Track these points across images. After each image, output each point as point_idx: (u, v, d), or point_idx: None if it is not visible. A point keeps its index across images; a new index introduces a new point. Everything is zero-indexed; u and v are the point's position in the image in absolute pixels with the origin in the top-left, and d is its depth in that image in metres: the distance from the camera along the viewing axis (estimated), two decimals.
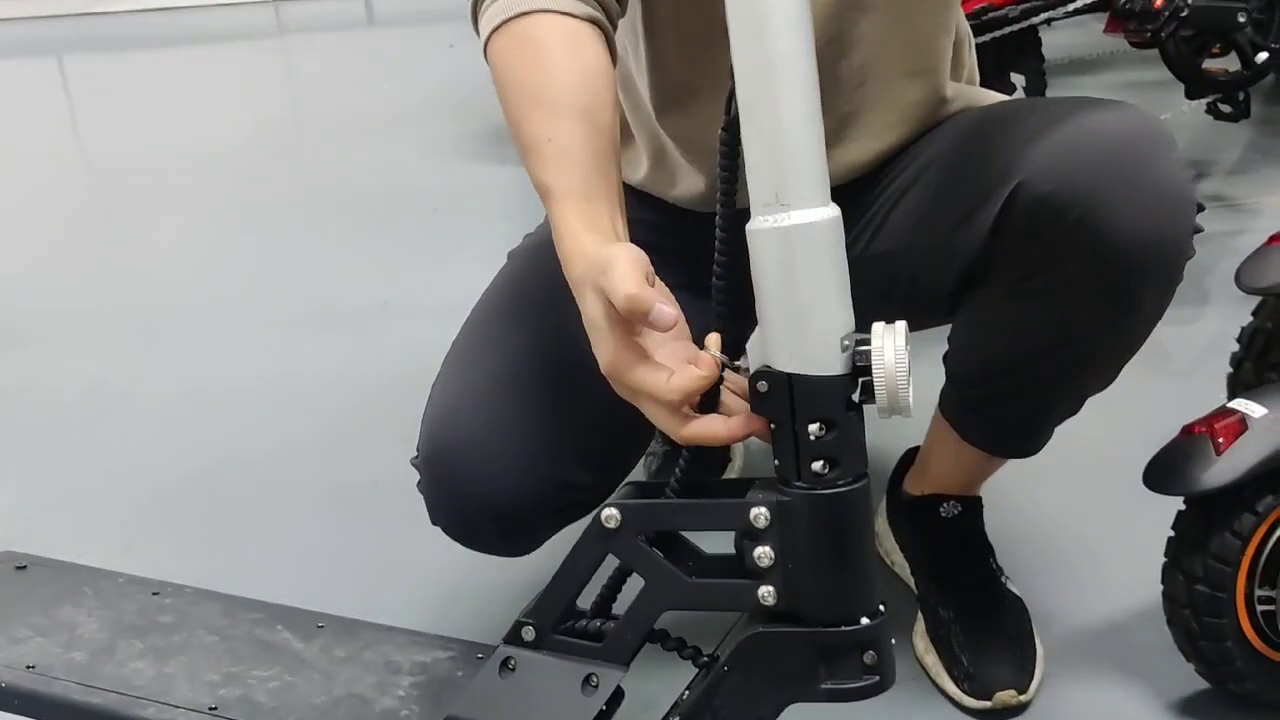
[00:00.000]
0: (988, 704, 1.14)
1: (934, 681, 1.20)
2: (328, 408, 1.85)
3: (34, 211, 3.01)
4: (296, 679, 0.91)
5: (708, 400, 0.77)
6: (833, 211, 0.72)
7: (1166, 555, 1.11)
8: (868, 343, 0.71)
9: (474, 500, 1.02)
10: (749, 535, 0.75)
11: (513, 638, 0.81)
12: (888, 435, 1.56)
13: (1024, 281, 1.01)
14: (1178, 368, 1.77)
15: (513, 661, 0.81)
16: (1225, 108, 2.47)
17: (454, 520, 1.05)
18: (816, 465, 0.72)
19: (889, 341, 0.71)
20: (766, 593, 0.75)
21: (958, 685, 1.16)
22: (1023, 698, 1.14)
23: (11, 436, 1.87)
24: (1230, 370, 1.37)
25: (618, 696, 0.81)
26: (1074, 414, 1.16)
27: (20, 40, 4.99)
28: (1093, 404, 1.14)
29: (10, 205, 3.05)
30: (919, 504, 1.29)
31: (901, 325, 0.72)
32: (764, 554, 0.74)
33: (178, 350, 2.15)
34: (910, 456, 1.35)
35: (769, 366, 0.73)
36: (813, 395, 0.72)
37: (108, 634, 0.96)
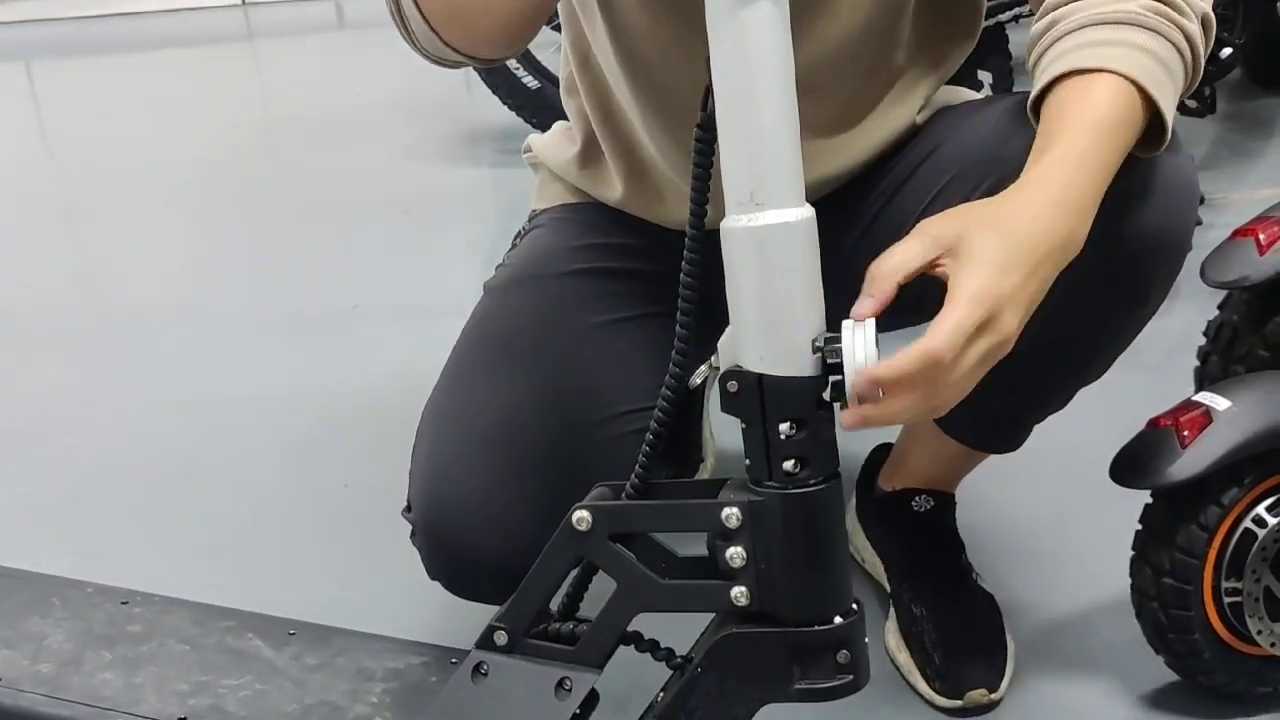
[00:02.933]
0: (959, 703, 1.14)
1: (906, 679, 1.20)
2: (298, 412, 1.84)
3: (1, 219, 2.98)
4: (268, 687, 0.90)
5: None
6: (807, 212, 0.72)
7: (1134, 549, 1.12)
8: (838, 341, 0.72)
9: (473, 563, 1.01)
10: (721, 536, 0.75)
11: (485, 642, 0.81)
12: (856, 433, 1.58)
13: None
14: (1148, 361, 1.76)
15: (485, 666, 0.80)
16: (1191, 103, 2.48)
17: (454, 580, 1.04)
18: (788, 465, 0.73)
19: (858, 340, 0.71)
20: (739, 593, 0.75)
21: (929, 684, 1.17)
22: (994, 696, 1.15)
23: None
24: (1197, 364, 1.38)
25: (592, 700, 0.81)
26: (1062, 408, 1.16)
27: None
28: (1082, 397, 1.15)
29: None
30: (892, 499, 1.29)
31: (870, 323, 0.72)
32: (736, 554, 0.74)
33: (146, 356, 2.13)
34: (881, 453, 1.35)
35: (739, 366, 0.73)
36: (783, 395, 0.72)
37: (75, 645, 0.96)
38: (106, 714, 0.86)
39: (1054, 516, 1.44)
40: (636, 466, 0.80)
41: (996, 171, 0.95)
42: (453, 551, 1.01)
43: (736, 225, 0.71)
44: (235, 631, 0.98)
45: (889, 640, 1.24)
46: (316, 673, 0.92)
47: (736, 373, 0.73)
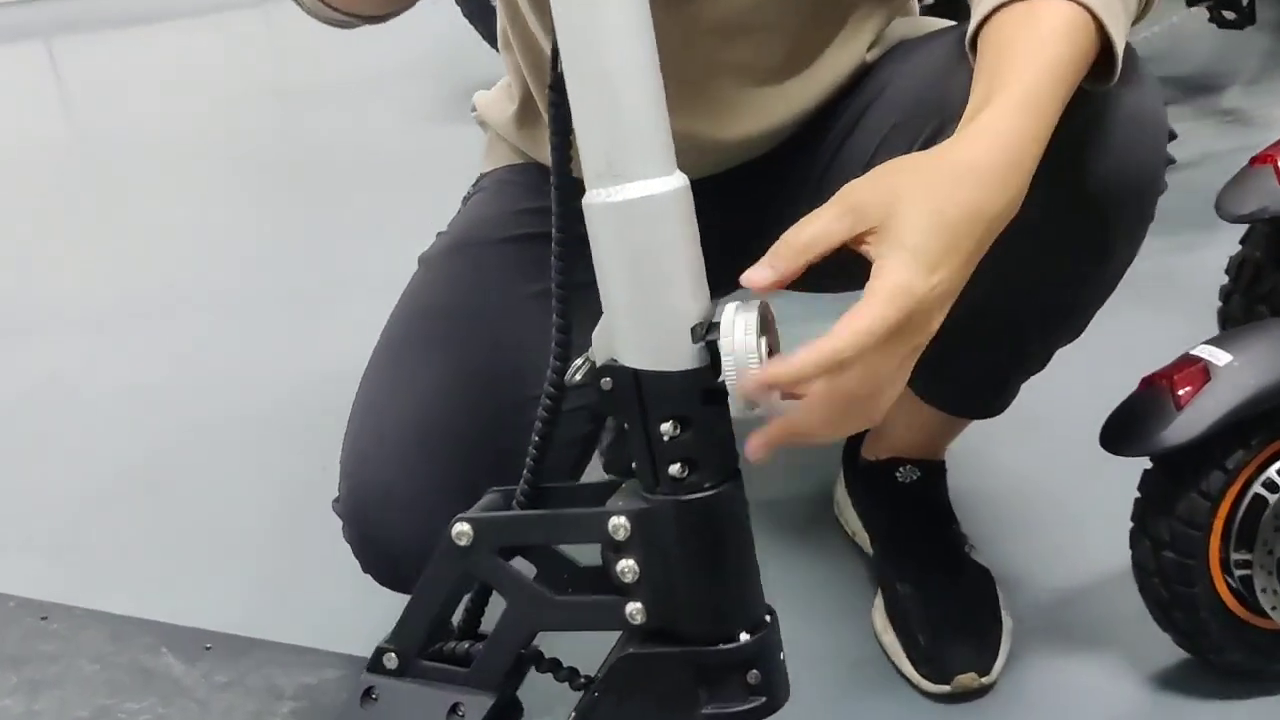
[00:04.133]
0: (946, 688, 1.06)
1: (892, 662, 1.12)
2: (283, 391, 1.78)
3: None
4: (169, 710, 0.85)
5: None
6: (677, 181, 0.63)
7: (1133, 519, 1.02)
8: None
9: (402, 558, 0.94)
10: (611, 548, 0.67)
11: (375, 665, 0.74)
12: None
13: None
14: (1169, 302, 1.65)
15: (375, 692, 0.74)
16: (1228, 14, 2.32)
17: (384, 575, 0.98)
18: (674, 469, 0.64)
19: (738, 324, 0.62)
20: (634, 610, 0.67)
21: (915, 667, 1.08)
22: (985, 680, 1.06)
23: None
24: (1219, 304, 1.27)
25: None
26: (1041, 369, 1.07)
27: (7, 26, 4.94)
28: (1067, 349, 1.04)
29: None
30: (875, 470, 1.20)
31: (755, 304, 0.63)
32: (628, 568, 0.66)
33: (130, 338, 2.09)
34: None
35: (615, 360, 0.65)
36: (662, 392, 0.64)
37: None
38: None
39: (1059, 479, 1.33)
40: (525, 471, 0.72)
41: (938, 117, 0.85)
42: (380, 546, 0.95)
43: (595, 201, 0.63)
44: (150, 648, 0.93)
45: (875, 620, 1.15)
46: (225, 691, 0.87)
47: (611, 368, 0.65)
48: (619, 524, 0.66)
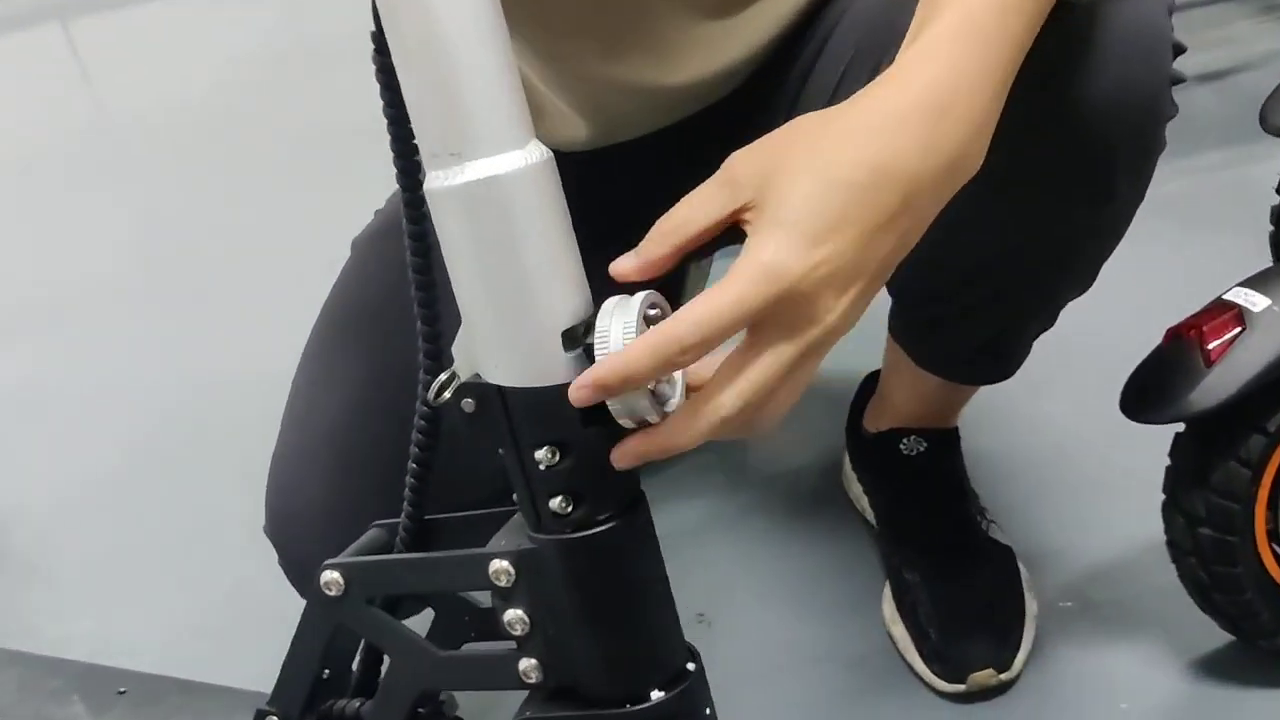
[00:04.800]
0: (962, 687, 0.94)
1: (903, 658, 1.00)
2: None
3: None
4: None
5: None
6: (534, 155, 0.51)
7: (1165, 491, 0.90)
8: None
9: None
10: (498, 595, 0.56)
11: None
12: (847, 358, 1.36)
13: None
14: (1212, 232, 1.50)
15: None
16: None
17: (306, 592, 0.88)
18: (555, 503, 0.53)
19: (616, 324, 0.51)
20: (529, 667, 0.56)
21: (927, 664, 0.97)
22: (1004, 676, 0.94)
23: None
24: (1271, 229, 1.12)
25: None
26: (1049, 327, 0.94)
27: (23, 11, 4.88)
28: (1092, 290, 0.91)
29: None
30: (879, 442, 1.08)
31: (639, 298, 0.51)
32: (516, 619, 0.56)
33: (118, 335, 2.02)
34: (871, 383, 1.14)
35: (478, 376, 0.54)
36: (534, 412, 0.52)
37: None
38: None
39: (1088, 439, 1.19)
40: (404, 504, 0.62)
41: (887, 48, 0.72)
42: (302, 569, 0.86)
43: (434, 186, 0.51)
44: (59, 695, 0.84)
45: (885, 610, 1.04)
46: None
47: (473, 385, 0.53)
48: (501, 568, 0.55)
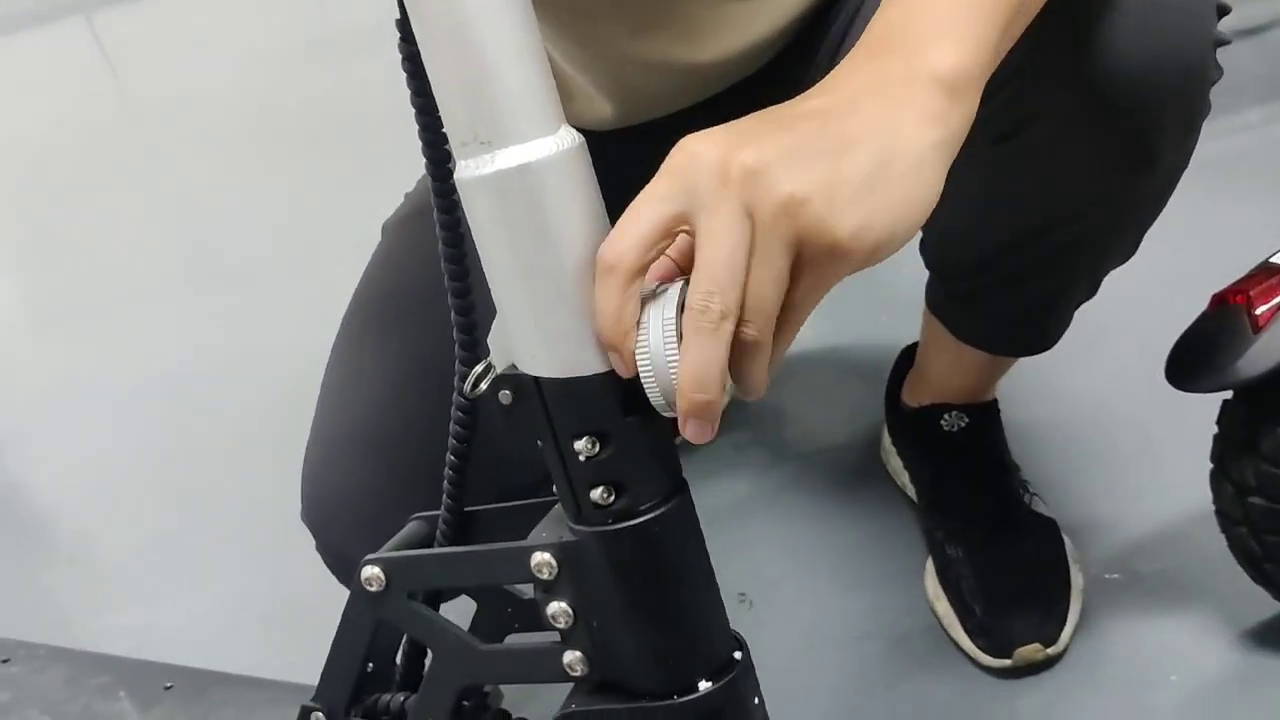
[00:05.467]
0: (1008, 662, 0.93)
1: (947, 633, 0.99)
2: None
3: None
4: None
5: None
6: (565, 141, 0.50)
7: (1213, 460, 0.88)
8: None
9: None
10: (540, 588, 0.56)
11: None
12: (884, 331, 1.35)
13: (1007, 136, 0.77)
14: (1261, 192, 1.46)
15: None
16: None
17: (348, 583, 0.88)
18: (596, 494, 0.52)
19: (654, 317, 0.49)
20: (573, 660, 0.56)
21: (972, 639, 0.96)
22: (1051, 650, 0.93)
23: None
24: None
25: None
26: (1090, 296, 0.92)
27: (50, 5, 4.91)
28: (1138, 257, 0.89)
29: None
30: (919, 417, 1.07)
31: (676, 287, 0.50)
32: (559, 612, 0.55)
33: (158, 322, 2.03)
34: (909, 356, 1.13)
35: (514, 367, 0.53)
36: (571, 402, 0.51)
37: None
38: None
39: (1132, 407, 1.17)
40: (444, 497, 0.61)
41: None
42: (342, 559, 0.85)
43: (465, 176, 0.50)
44: (106, 691, 0.85)
45: (928, 586, 1.03)
46: None
47: (510, 377, 0.53)
48: (542, 561, 0.54)
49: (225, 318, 1.96)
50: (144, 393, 1.77)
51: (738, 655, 0.56)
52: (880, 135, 0.48)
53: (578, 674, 0.56)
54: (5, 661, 0.90)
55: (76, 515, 1.53)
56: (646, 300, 0.50)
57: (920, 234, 0.91)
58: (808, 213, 0.47)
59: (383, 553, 0.60)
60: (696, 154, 0.48)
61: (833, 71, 0.53)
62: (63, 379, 1.91)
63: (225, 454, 1.55)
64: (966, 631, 0.97)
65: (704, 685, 0.55)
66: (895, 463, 1.13)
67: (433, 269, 0.94)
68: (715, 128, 0.49)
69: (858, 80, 0.51)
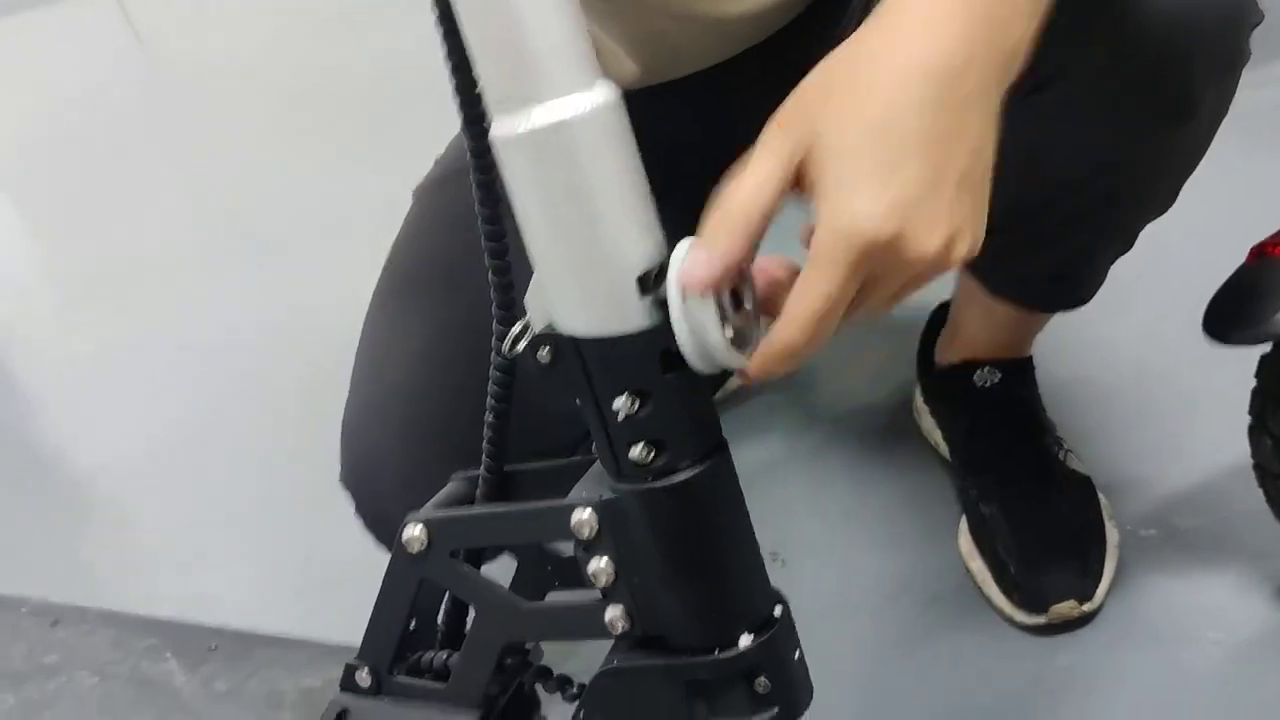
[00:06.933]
0: (1043, 619, 0.93)
1: (982, 591, 0.99)
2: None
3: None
4: None
5: None
6: (600, 96, 0.50)
7: (1251, 414, 0.87)
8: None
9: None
10: (581, 545, 0.56)
11: (347, 683, 0.65)
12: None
13: (1040, 88, 0.76)
14: None
15: (349, 715, 0.65)
16: None
17: (387, 544, 0.89)
18: (636, 452, 0.52)
19: (690, 303, 0.49)
20: (615, 616, 0.56)
21: (1006, 596, 0.96)
22: (1086, 607, 0.93)
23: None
24: None
25: None
26: (1126, 250, 0.92)
27: None
28: (1174, 209, 0.88)
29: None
30: (951, 374, 1.07)
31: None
32: (600, 569, 0.55)
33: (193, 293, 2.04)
34: (940, 316, 1.12)
35: (552, 326, 0.53)
36: (610, 361, 0.52)
37: None
38: None
39: (1168, 362, 1.17)
40: (484, 456, 0.62)
41: None
42: (380, 520, 0.86)
43: (500, 134, 0.50)
44: (153, 653, 0.87)
45: (961, 544, 1.03)
46: (223, 702, 0.80)
47: (548, 336, 0.53)
48: (583, 519, 0.55)
49: (260, 285, 1.97)
50: (183, 361, 1.79)
51: (778, 611, 0.57)
52: (984, 156, 0.52)
53: (619, 630, 0.56)
54: (54, 624, 0.93)
55: (118, 482, 1.55)
56: (678, 253, 0.51)
57: None
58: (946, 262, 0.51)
59: (424, 512, 0.61)
60: (860, 235, 0.49)
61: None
62: (104, 347, 1.93)
63: (264, 420, 1.57)
64: (1001, 589, 0.97)
65: (745, 640, 0.55)
66: (928, 422, 1.13)
67: (465, 232, 0.94)
68: (857, 178, 0.49)
69: (960, 83, 0.51)
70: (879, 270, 0.50)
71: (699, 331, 0.49)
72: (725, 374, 0.54)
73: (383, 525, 0.87)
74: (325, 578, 1.22)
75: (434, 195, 0.98)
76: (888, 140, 0.49)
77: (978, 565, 0.99)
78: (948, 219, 0.51)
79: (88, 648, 0.89)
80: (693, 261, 0.50)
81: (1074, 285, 0.93)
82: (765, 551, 0.57)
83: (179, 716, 0.80)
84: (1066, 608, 0.92)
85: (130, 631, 0.90)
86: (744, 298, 0.53)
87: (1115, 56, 0.71)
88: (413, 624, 0.65)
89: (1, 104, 3.54)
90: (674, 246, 0.51)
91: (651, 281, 0.51)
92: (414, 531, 0.60)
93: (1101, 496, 1.01)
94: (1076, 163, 0.80)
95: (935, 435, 1.12)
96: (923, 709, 0.93)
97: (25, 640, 0.91)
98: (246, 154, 2.61)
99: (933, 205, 0.50)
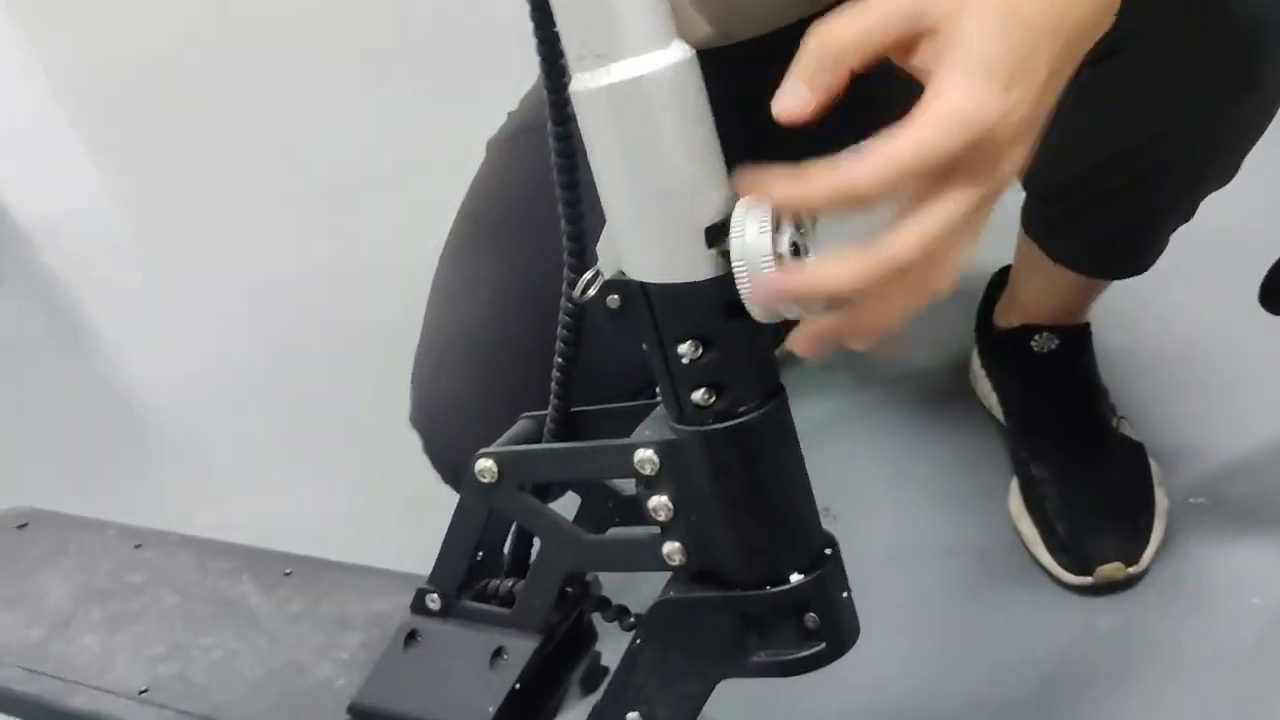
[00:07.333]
0: (1089, 579, 0.95)
1: (1029, 552, 1.01)
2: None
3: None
4: (240, 646, 0.83)
5: None
6: (676, 54, 0.52)
7: None
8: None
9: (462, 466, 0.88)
10: (642, 483, 0.59)
11: (418, 606, 0.69)
12: (977, 254, 1.35)
13: (1104, 57, 0.77)
14: None
15: (419, 634, 0.69)
16: None
17: (453, 482, 0.93)
18: (698, 395, 0.55)
19: (750, 222, 0.52)
20: (672, 550, 0.59)
21: (1054, 556, 0.98)
22: (1133, 570, 0.95)
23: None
24: None
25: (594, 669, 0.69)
26: (1187, 219, 0.92)
27: None
28: (1241, 180, 0.88)
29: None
30: (1009, 338, 1.08)
31: (766, 206, 0.52)
32: (660, 506, 0.59)
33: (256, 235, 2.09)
34: (1002, 278, 1.14)
35: (622, 274, 0.56)
36: (677, 308, 0.54)
37: (72, 603, 0.91)
38: (72, 688, 0.81)
39: (1223, 333, 1.18)
40: (551, 397, 0.65)
41: None
42: (446, 458, 0.90)
43: (579, 88, 0.53)
44: (231, 575, 0.91)
45: (1011, 505, 1.05)
46: (296, 624, 0.84)
47: (617, 283, 0.56)
48: (645, 457, 0.58)
49: (334, 228, 2.01)
50: (258, 298, 1.84)
51: (828, 552, 0.59)
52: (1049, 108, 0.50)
53: (676, 563, 0.59)
54: (139, 547, 0.97)
55: (193, 414, 1.61)
56: (741, 206, 0.53)
57: None
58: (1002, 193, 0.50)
59: (495, 447, 0.64)
60: (978, 122, 0.47)
61: None
62: (180, 283, 1.99)
63: (336, 358, 1.62)
64: (1049, 549, 0.99)
65: (795, 577, 0.58)
66: (984, 385, 1.15)
67: (538, 183, 0.97)
68: (989, 67, 0.48)
69: None
70: (962, 167, 0.48)
71: (757, 271, 0.51)
72: (784, 327, 0.56)
73: (450, 464, 0.91)
74: (393, 511, 1.27)
75: (507, 147, 1.01)
76: (1022, 44, 0.49)
77: (1026, 526, 1.01)
78: (1027, 150, 0.50)
79: (170, 568, 0.93)
80: (783, 94, 0.49)
81: (1133, 253, 0.94)
82: (818, 506, 0.60)
83: (253, 636, 0.84)
84: (1112, 569, 0.94)
85: (209, 555, 0.94)
86: (801, 246, 0.54)
87: (1186, 25, 0.71)
88: (480, 554, 0.69)
89: (86, 54, 3.61)
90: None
91: (718, 233, 0.53)
92: (485, 464, 0.63)
93: (1153, 463, 1.02)
94: (1140, 129, 0.81)
95: (991, 398, 1.13)
96: (966, 661, 0.95)
97: (112, 559, 0.96)
98: (320, 105, 2.66)
99: (1031, 130, 0.50)
